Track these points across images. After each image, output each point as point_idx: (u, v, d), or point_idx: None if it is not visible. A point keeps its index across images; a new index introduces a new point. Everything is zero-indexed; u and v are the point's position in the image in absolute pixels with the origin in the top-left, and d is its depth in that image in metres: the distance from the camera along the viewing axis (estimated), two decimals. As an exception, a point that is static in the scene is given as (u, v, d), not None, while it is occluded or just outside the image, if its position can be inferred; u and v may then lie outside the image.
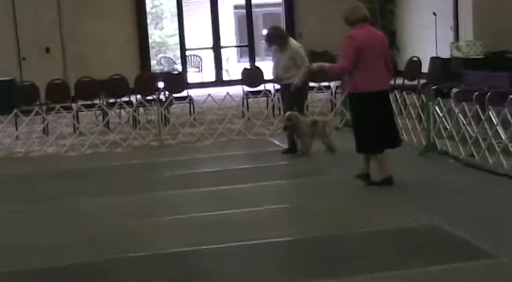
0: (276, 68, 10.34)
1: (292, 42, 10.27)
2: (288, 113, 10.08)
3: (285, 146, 10.43)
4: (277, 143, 11.05)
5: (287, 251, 6.18)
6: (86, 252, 6.27)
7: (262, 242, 6.24)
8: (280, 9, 22.92)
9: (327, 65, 8.28)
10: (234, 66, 25.91)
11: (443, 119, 9.48)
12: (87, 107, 12.84)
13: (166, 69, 24.30)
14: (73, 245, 6.51)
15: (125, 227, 6.98)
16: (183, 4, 22.55)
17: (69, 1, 19.27)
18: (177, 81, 14.31)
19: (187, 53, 23.40)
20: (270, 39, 10.27)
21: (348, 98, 8.04)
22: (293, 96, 10.20)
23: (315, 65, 8.39)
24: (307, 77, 10.26)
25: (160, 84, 14.43)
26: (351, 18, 7.81)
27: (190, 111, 13.50)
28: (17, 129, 12.59)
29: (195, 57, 24.91)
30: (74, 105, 13.12)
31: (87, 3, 20.13)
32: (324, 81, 13.58)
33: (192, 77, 23.45)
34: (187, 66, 23.48)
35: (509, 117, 8.30)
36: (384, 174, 7.84)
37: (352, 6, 7.97)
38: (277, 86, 11.71)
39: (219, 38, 22.27)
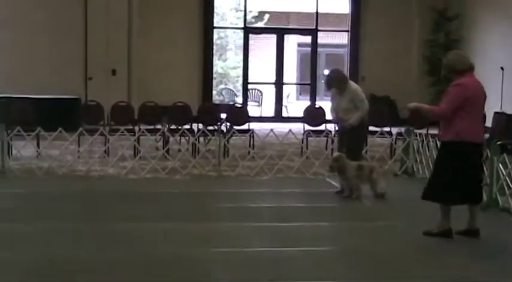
0: (335, 110, 10.41)
1: (352, 84, 10.34)
2: (335, 154, 10.11)
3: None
4: (334, 184, 11.03)
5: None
6: (141, 273, 6.33)
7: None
8: (345, 51, 23.00)
9: (425, 106, 8.09)
10: (293, 103, 26.04)
11: (506, 175, 9.37)
12: (150, 131, 12.99)
13: (226, 100, 24.50)
14: (129, 264, 6.58)
15: (177, 255, 7.01)
16: (252, 38, 22.83)
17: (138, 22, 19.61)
18: (239, 113, 14.41)
19: (249, 86, 23.61)
20: (331, 82, 10.38)
21: (444, 144, 7.89)
22: (350, 138, 10.22)
23: (412, 104, 8.13)
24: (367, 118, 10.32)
25: (223, 115, 14.55)
26: (460, 67, 7.69)
27: (249, 144, 13.56)
28: (79, 146, 12.81)
29: (255, 91, 25.08)
30: (136, 128, 13.27)
31: (156, 28, 20.49)
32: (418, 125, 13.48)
33: (251, 110, 23.58)
34: (248, 100, 23.68)
35: None
36: (443, 226, 7.71)
37: (459, 54, 7.99)
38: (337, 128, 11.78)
39: (282, 74, 22.42)
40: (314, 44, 22.30)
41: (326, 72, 31.54)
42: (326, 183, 11.32)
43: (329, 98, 10.83)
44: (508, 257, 7.24)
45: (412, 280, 6.40)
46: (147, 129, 13.05)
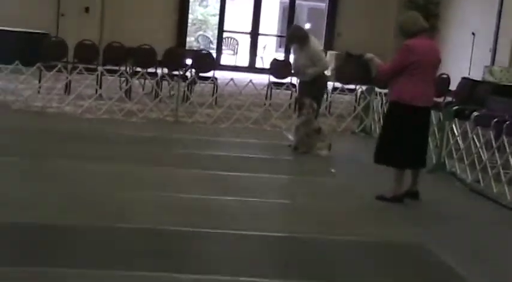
0: (295, 64, 10.47)
1: (313, 43, 10.29)
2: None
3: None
4: (290, 137, 11.00)
5: (266, 246, 6.11)
6: (62, 213, 6.25)
7: (246, 234, 6.20)
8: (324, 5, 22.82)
9: (377, 61, 7.88)
10: (271, 54, 25.89)
11: (457, 140, 9.39)
12: (112, 72, 12.85)
13: (202, 47, 24.31)
14: (52, 204, 6.50)
15: (113, 195, 6.97)
16: (230, -14, 22.62)
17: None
18: (205, 60, 14.27)
19: (225, 35, 23.43)
20: (291, 38, 10.50)
21: (389, 105, 7.83)
22: (307, 92, 10.22)
23: (369, 54, 7.98)
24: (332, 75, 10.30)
25: (189, 61, 14.43)
26: (412, 29, 7.52)
27: (213, 93, 13.49)
28: (40, 82, 12.68)
29: (232, 39, 24.93)
30: (99, 68, 13.14)
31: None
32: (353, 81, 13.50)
33: (226, 59, 23.49)
34: (223, 48, 23.53)
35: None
36: (396, 191, 7.65)
37: (411, 16, 7.75)
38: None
39: (258, 25, 22.26)
40: (293, -4, 22.12)
41: (307, 26, 31.43)
42: (282, 136, 11.30)
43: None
44: (444, 220, 7.27)
45: (344, 238, 6.38)
46: (108, 70, 12.90)
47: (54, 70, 12.02)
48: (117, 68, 13.18)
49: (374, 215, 7.23)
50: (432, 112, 10.18)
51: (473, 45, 16.99)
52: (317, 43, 10.55)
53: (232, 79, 12.43)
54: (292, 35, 10.42)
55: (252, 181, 8.21)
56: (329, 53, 21.68)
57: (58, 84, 12.77)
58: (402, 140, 7.56)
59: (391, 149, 7.67)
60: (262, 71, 20.77)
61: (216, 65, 14.35)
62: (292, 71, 10.71)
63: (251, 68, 21.68)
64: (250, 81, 12.37)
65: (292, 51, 10.63)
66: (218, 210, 6.85)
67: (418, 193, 7.83)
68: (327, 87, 11.04)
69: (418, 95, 7.46)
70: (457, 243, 6.47)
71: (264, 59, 23.36)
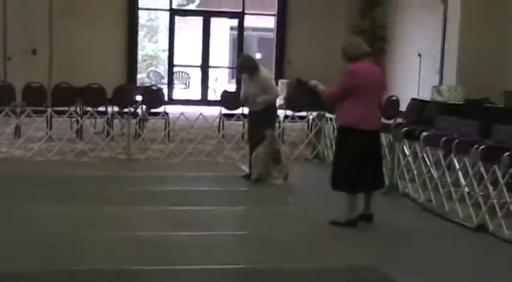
0: (244, 94, 10.43)
1: (262, 72, 10.31)
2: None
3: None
4: (243, 168, 11.01)
5: (227, 280, 6.10)
6: (13, 260, 6.15)
7: (204, 268, 6.18)
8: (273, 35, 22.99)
9: (321, 86, 7.94)
10: (224, 86, 25.96)
11: (408, 161, 9.48)
12: (61, 113, 12.74)
13: (153, 83, 24.28)
14: (7, 249, 6.42)
15: (66, 237, 6.89)
16: (178, 20, 22.66)
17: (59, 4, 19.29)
18: (155, 95, 14.24)
19: (176, 69, 23.44)
20: (241, 68, 10.45)
21: (337, 131, 7.86)
22: (257, 121, 10.25)
23: (313, 81, 8.06)
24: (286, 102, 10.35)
25: (139, 98, 14.39)
26: (354, 53, 7.62)
27: (165, 128, 13.46)
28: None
29: (183, 73, 24.96)
30: (48, 110, 13.02)
31: (79, 8, 20.17)
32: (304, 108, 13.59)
33: (179, 93, 23.48)
34: (175, 82, 23.54)
35: (468, 167, 8.28)
36: (349, 216, 7.67)
37: (353, 40, 7.91)
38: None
39: (208, 57, 22.31)
40: (241, 27, 22.25)
41: (258, 56, 31.52)
42: (235, 167, 11.29)
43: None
44: (398, 241, 7.33)
45: (299, 267, 6.38)
46: (57, 111, 12.80)
47: (2, 114, 11.87)
48: (66, 108, 13.06)
49: (329, 241, 7.25)
50: (382, 134, 10.33)
51: (420, 66, 17.22)
52: (267, 72, 10.54)
53: (182, 113, 12.41)
54: (242, 65, 10.39)
55: (206, 214, 8.19)
56: (280, 81, 21.82)
57: (7, 129, 12.62)
58: (353, 164, 7.61)
59: (343, 174, 7.71)
60: (215, 103, 20.75)
61: (165, 100, 14.29)
62: (241, 100, 10.67)
63: (203, 101, 21.66)
64: (201, 114, 12.37)
65: (242, 80, 10.60)
66: (172, 246, 6.82)
67: (371, 216, 7.86)
68: (277, 115, 11.03)
69: (364, 119, 7.52)
70: (411, 263, 6.53)
71: (217, 91, 23.38)
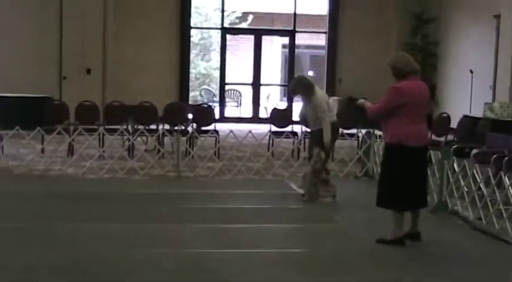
0: (301, 115, 10.55)
1: (317, 93, 10.21)
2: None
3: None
4: (292, 185, 11.02)
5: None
6: (64, 278, 6.25)
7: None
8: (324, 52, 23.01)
9: (368, 103, 7.94)
10: (275, 104, 26.05)
11: (458, 178, 9.38)
12: (113, 131, 12.94)
13: (205, 101, 24.49)
14: (53, 269, 6.50)
15: (116, 256, 6.99)
16: (230, 39, 22.87)
17: (114, 24, 19.64)
18: (205, 113, 14.37)
19: (228, 87, 23.63)
20: (294, 90, 10.39)
21: (384, 148, 7.85)
22: (316, 140, 10.22)
23: (361, 100, 8.08)
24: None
25: (190, 116, 14.54)
26: (405, 70, 7.56)
27: (215, 145, 13.54)
28: (42, 145, 12.81)
29: (234, 91, 25.14)
30: (100, 128, 13.23)
31: (133, 28, 20.50)
32: (355, 126, 13.55)
33: (230, 111, 23.65)
34: (227, 100, 23.72)
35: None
36: (396, 234, 7.62)
37: (402, 57, 7.78)
38: (305, 128, 11.92)
39: (259, 75, 22.42)
40: (292, 45, 22.35)
41: (310, 73, 31.59)
42: (284, 185, 11.31)
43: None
44: (446, 260, 7.23)
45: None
46: (111, 129, 13.01)
47: (55, 133, 12.11)
48: (118, 127, 13.25)
49: (375, 259, 7.21)
50: (432, 152, 10.25)
51: (472, 82, 17.05)
52: (321, 93, 10.41)
53: (231, 131, 12.48)
54: (295, 86, 10.30)
55: (254, 232, 8.22)
56: (331, 99, 21.80)
57: (60, 147, 12.86)
58: (399, 181, 7.57)
59: (389, 191, 7.67)
60: (266, 120, 20.87)
61: (215, 118, 14.41)
62: (298, 119, 10.66)
63: (255, 118, 21.77)
64: (250, 132, 12.43)
65: (301, 100, 10.56)
66: (219, 263, 6.86)
67: (419, 234, 7.80)
68: (337, 131, 10.88)
69: (411, 136, 7.49)
70: (459, 283, 6.44)
71: (268, 109, 23.48)
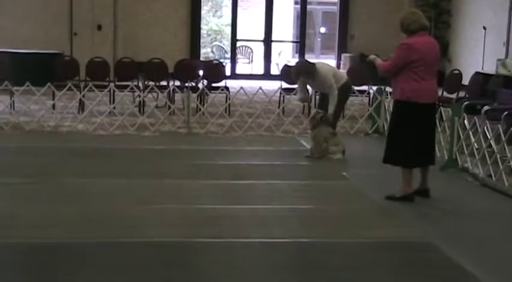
0: (301, 91, 10.59)
1: (320, 70, 10.21)
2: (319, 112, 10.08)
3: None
4: (302, 142, 11.01)
5: (281, 253, 6.12)
6: (75, 232, 6.29)
7: (259, 241, 6.23)
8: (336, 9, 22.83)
9: (378, 60, 7.87)
10: (287, 61, 25.93)
11: (469, 135, 9.34)
12: (123, 87, 12.93)
13: (217, 57, 24.40)
14: (64, 223, 6.54)
15: (124, 211, 7.02)
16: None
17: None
18: (216, 70, 14.33)
19: (239, 43, 23.50)
20: (297, 74, 10.38)
21: (393, 104, 7.83)
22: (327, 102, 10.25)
23: (372, 56, 8.04)
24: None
25: (201, 72, 14.50)
26: (412, 27, 7.49)
27: (226, 102, 13.52)
28: (53, 101, 12.83)
29: (246, 48, 25.01)
30: (111, 84, 13.22)
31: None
32: (366, 82, 13.50)
33: (242, 68, 23.57)
34: (239, 57, 23.61)
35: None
36: (405, 190, 7.64)
37: (411, 13, 7.69)
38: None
39: (271, 32, 22.27)
40: (304, 1, 22.15)
41: (322, 30, 31.28)
42: (294, 142, 11.30)
43: (325, 55, 10.84)
44: (454, 217, 7.23)
45: (357, 241, 6.38)
46: (119, 86, 13.00)
47: (65, 89, 12.12)
48: (129, 83, 13.22)
49: (384, 216, 7.21)
50: (443, 109, 10.20)
51: (485, 39, 16.89)
52: (324, 69, 10.33)
53: (242, 87, 12.45)
54: (298, 72, 10.34)
55: (263, 188, 8.21)
56: (343, 55, 21.69)
57: (71, 103, 12.88)
58: (407, 138, 7.55)
59: (397, 148, 7.65)
60: (277, 77, 20.78)
61: (225, 74, 14.36)
62: (301, 100, 11.08)
63: (266, 75, 21.68)
64: (260, 88, 12.39)
65: (299, 81, 10.50)
66: (228, 219, 6.86)
67: (428, 191, 7.80)
68: (349, 90, 10.85)
69: (420, 92, 7.44)
70: (467, 241, 6.42)
71: (280, 66, 23.36)
